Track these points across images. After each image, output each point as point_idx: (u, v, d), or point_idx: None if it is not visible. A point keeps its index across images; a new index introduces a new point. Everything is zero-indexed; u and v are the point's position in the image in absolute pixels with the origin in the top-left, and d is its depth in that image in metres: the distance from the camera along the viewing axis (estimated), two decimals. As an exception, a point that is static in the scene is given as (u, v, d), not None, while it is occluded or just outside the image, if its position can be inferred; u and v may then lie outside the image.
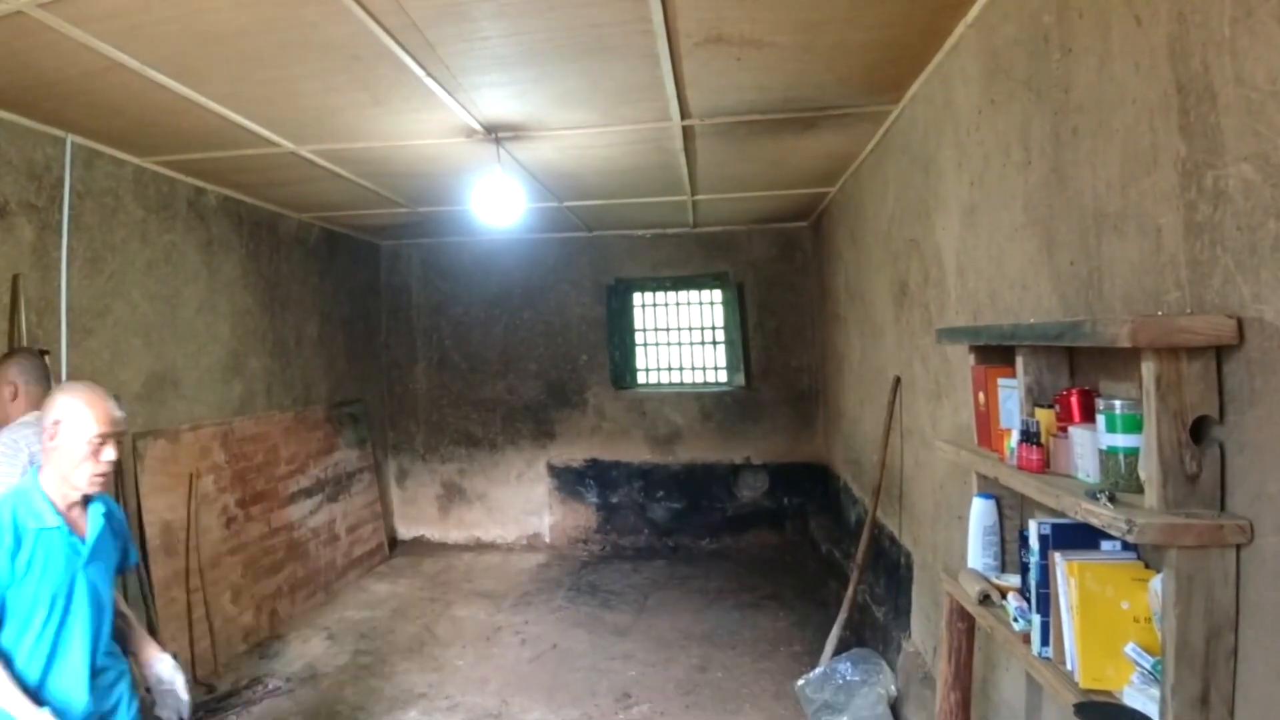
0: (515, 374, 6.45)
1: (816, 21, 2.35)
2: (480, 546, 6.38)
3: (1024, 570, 1.65)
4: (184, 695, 1.91)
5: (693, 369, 6.48)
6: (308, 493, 5.04)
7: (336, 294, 5.76)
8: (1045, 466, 1.59)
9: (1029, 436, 1.61)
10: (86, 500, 1.81)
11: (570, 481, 6.39)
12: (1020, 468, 1.63)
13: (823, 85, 2.92)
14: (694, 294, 6.44)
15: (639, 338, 6.51)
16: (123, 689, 1.88)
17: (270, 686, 3.65)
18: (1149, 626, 1.34)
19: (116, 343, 3.55)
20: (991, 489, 1.93)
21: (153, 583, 3.56)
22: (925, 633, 3.03)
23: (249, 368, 4.60)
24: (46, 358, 2.61)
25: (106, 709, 1.83)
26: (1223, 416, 1.22)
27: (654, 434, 6.31)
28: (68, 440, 1.71)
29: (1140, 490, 1.29)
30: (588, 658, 4.02)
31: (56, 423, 1.72)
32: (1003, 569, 1.90)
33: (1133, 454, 1.33)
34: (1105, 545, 1.47)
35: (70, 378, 3.24)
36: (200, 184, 4.16)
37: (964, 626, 2.05)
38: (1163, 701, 1.22)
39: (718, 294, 6.38)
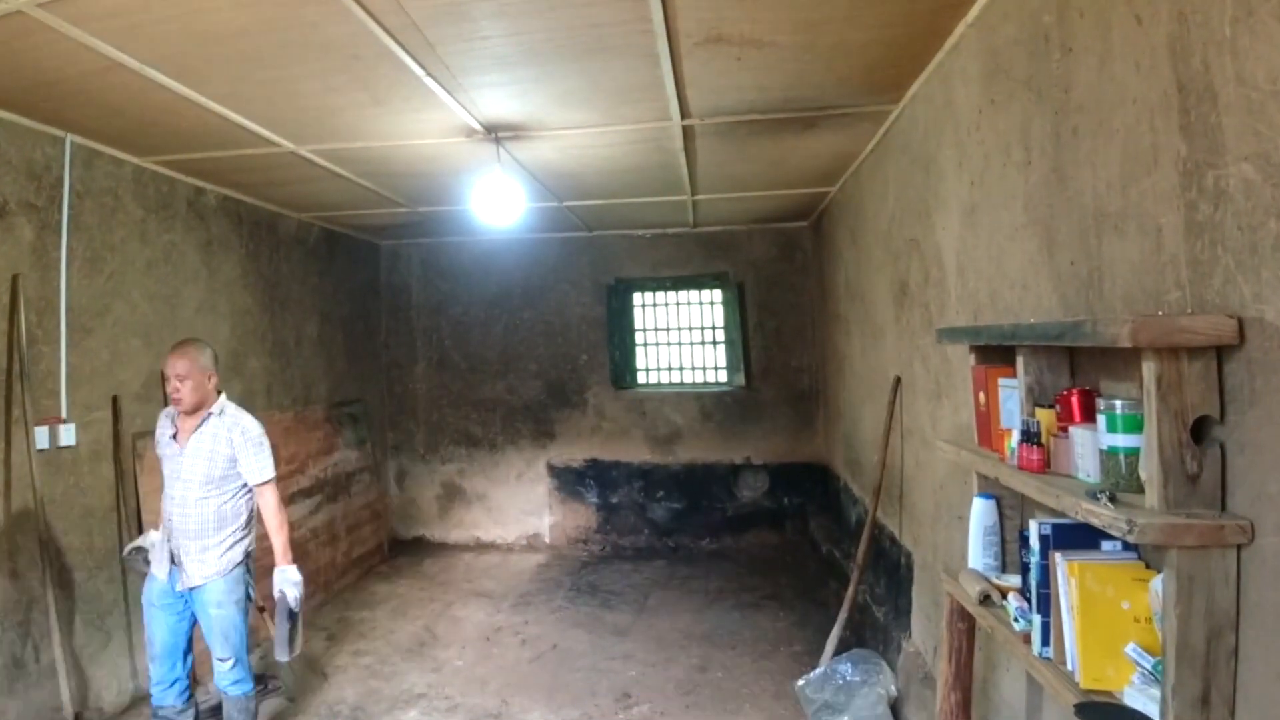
0: (515, 374, 6.45)
1: (817, 21, 2.35)
2: (480, 546, 6.38)
3: (1024, 570, 1.64)
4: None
5: (693, 369, 6.48)
6: (307, 493, 5.04)
7: (336, 294, 5.76)
8: (1046, 466, 1.58)
9: (1029, 436, 1.61)
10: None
11: (570, 481, 6.39)
12: (1021, 468, 1.63)
13: (823, 85, 2.92)
14: (694, 294, 6.44)
15: (639, 338, 6.51)
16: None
17: (270, 686, 3.65)
18: (1149, 627, 1.34)
19: (116, 342, 3.55)
20: (992, 489, 1.93)
21: (152, 583, 3.55)
22: (925, 633, 3.03)
23: (248, 368, 4.60)
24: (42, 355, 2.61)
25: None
26: (1223, 416, 1.22)
27: (654, 434, 6.31)
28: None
29: (1141, 490, 1.29)
30: (588, 658, 4.02)
31: None
32: (1003, 569, 1.90)
33: (1133, 454, 1.33)
34: (1106, 545, 1.47)
35: (69, 378, 3.24)
36: (200, 184, 4.16)
37: (964, 627, 2.05)
38: (1163, 702, 1.22)
39: (718, 294, 6.38)
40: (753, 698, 3.52)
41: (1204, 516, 1.19)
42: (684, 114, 3.21)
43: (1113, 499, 1.28)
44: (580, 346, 6.39)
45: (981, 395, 1.97)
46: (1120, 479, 1.35)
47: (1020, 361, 1.73)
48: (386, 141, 3.50)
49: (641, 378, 6.50)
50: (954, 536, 2.60)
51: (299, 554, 4.80)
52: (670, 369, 6.51)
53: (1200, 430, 1.23)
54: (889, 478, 3.65)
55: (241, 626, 2.84)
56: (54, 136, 3.20)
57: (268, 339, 4.82)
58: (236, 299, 4.51)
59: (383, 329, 6.58)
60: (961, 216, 2.50)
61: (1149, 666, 1.30)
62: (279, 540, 2.85)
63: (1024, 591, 1.66)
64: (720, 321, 6.40)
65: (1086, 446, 1.46)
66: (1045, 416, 1.62)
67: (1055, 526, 1.53)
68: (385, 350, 6.60)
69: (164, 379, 2.87)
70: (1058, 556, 1.47)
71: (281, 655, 2.83)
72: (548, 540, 6.39)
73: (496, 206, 3.66)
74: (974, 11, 2.26)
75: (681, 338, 6.50)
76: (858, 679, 3.21)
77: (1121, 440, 1.35)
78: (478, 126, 3.29)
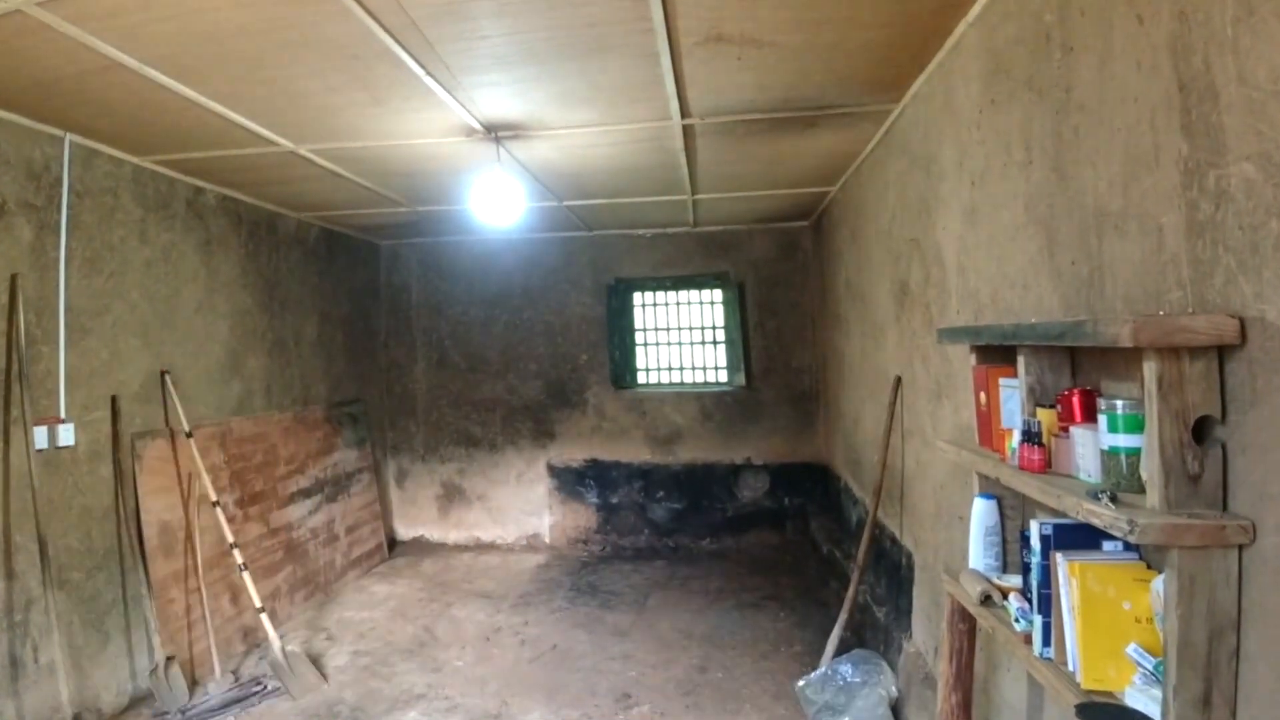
0: (515, 374, 6.45)
1: (817, 20, 2.35)
2: (480, 547, 6.37)
3: (1025, 571, 1.64)
4: None
5: (693, 369, 6.47)
6: (306, 493, 5.03)
7: (335, 293, 5.76)
8: (1047, 467, 1.58)
9: (1030, 436, 1.61)
10: None
11: (570, 482, 6.39)
12: (1021, 468, 1.62)
13: (823, 84, 2.91)
14: (694, 294, 6.44)
15: (639, 337, 6.51)
16: None
17: (269, 687, 3.65)
18: (1151, 627, 1.33)
19: (115, 342, 3.55)
20: (993, 489, 1.93)
21: (152, 583, 3.55)
22: (926, 633, 3.03)
23: (248, 367, 4.60)
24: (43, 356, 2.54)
25: None
26: (1225, 416, 1.21)
27: (654, 434, 6.31)
28: None
29: (1142, 490, 1.28)
30: (588, 658, 4.02)
31: None
32: (1004, 569, 1.89)
33: (1134, 454, 1.33)
34: (1107, 546, 1.46)
35: (68, 378, 3.24)
36: (199, 183, 4.15)
37: (965, 627, 2.04)
38: (1164, 702, 1.21)
39: (718, 294, 6.37)
40: (753, 698, 3.52)
41: (1205, 517, 1.19)
42: (684, 113, 3.20)
43: (1114, 499, 1.28)
44: (580, 346, 6.39)
45: (982, 395, 1.97)
46: (1121, 479, 1.35)
47: (1021, 361, 1.73)
48: (386, 141, 3.49)
49: (642, 378, 6.50)
50: (955, 537, 2.60)
51: (299, 554, 4.84)
52: (670, 369, 6.51)
53: (1201, 430, 1.22)
54: (890, 478, 3.65)
55: None
56: (53, 136, 3.20)
57: (267, 339, 4.81)
58: (235, 299, 4.50)
59: (382, 329, 6.58)
60: (962, 216, 2.50)
61: (1150, 667, 1.29)
62: None
63: (1025, 592, 1.66)
64: (720, 321, 6.40)
65: (1087, 447, 1.45)
66: (1046, 416, 1.62)
67: (1056, 527, 1.52)
68: (385, 350, 6.59)
69: None
70: (1059, 557, 1.47)
71: None
72: (547, 540, 6.39)
73: (496, 206, 3.66)
74: (975, 11, 2.26)
75: (682, 337, 6.49)
76: (858, 680, 3.21)
77: (1123, 440, 1.35)
78: (477, 126, 3.29)
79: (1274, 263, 1.10)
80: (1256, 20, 1.12)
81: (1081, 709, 1.33)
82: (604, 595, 5.04)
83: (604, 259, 6.34)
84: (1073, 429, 1.51)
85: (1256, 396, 1.15)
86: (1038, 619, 1.54)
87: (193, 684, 3.64)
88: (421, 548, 6.38)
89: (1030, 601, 1.58)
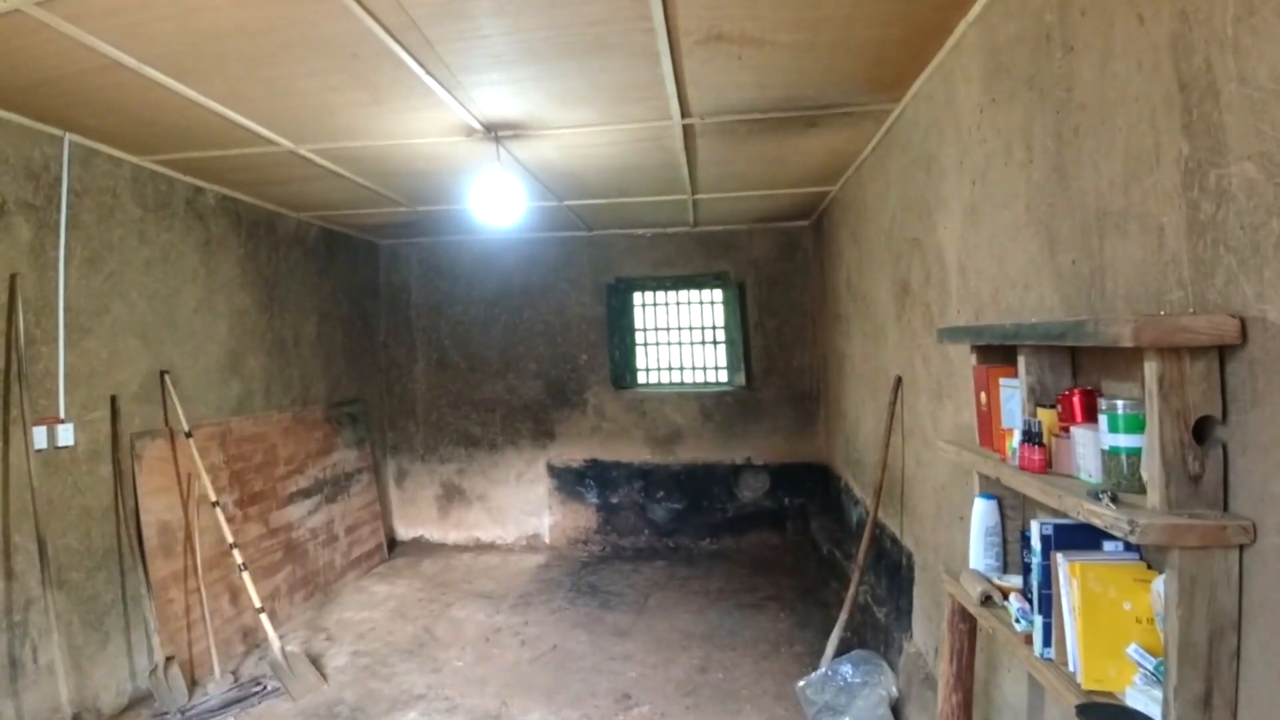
0: (515, 374, 6.45)
1: (817, 20, 2.34)
2: (480, 547, 6.37)
3: (1026, 571, 1.64)
4: None
5: (693, 369, 6.47)
6: (306, 493, 5.03)
7: (335, 293, 5.75)
8: (1047, 467, 1.58)
9: (1031, 437, 1.61)
10: None
11: (570, 482, 6.39)
12: (1022, 468, 1.62)
13: (824, 84, 2.91)
14: (694, 293, 6.43)
15: (639, 337, 6.50)
16: None
17: (269, 688, 3.65)
18: (1151, 627, 1.33)
19: (114, 342, 3.55)
20: (993, 489, 1.92)
21: (151, 583, 3.55)
22: (927, 634, 3.02)
23: (247, 367, 4.59)
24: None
25: None
26: (1225, 416, 1.21)
27: (654, 434, 6.30)
28: None
29: (1143, 491, 1.28)
30: (588, 659, 4.02)
31: None
32: (1004, 570, 1.89)
33: (1135, 454, 1.33)
34: (1107, 546, 1.46)
35: (67, 378, 3.24)
36: (198, 183, 4.15)
37: (966, 627, 2.04)
38: (1165, 703, 1.21)
39: (718, 293, 6.37)
40: (753, 699, 3.51)
41: (1206, 517, 1.18)
42: (684, 113, 3.20)
43: (1114, 499, 1.28)
44: (580, 346, 6.39)
45: (983, 395, 1.96)
46: (1122, 479, 1.35)
47: (1022, 361, 1.73)
48: (386, 140, 3.49)
49: (642, 377, 6.50)
50: (955, 537, 2.60)
51: (298, 554, 4.84)
52: (670, 369, 6.50)
53: (1202, 430, 1.22)
54: (890, 478, 3.65)
55: None
56: (52, 135, 3.19)
57: (266, 338, 4.81)
58: (235, 298, 4.50)
59: (382, 328, 6.58)
60: (963, 216, 2.49)
61: (1151, 667, 1.29)
62: None
63: (1025, 592, 1.66)
64: (721, 321, 6.39)
65: (1088, 447, 1.45)
66: (1047, 416, 1.62)
67: (1057, 527, 1.52)
68: (384, 350, 6.59)
69: None
70: (1059, 557, 1.47)
71: None
72: (547, 541, 6.38)
73: (496, 206, 3.65)
74: (975, 10, 2.26)
75: (682, 337, 6.49)
76: (859, 680, 3.21)
77: (1123, 440, 1.35)
78: (477, 125, 3.29)
79: (1275, 262, 1.10)
80: (1257, 20, 1.12)
81: (1082, 709, 1.33)
82: (604, 595, 5.04)
83: (604, 259, 6.34)
84: (1073, 429, 1.51)
85: (1257, 397, 1.15)
86: (1038, 619, 1.54)
87: (192, 684, 3.64)
88: (421, 548, 6.38)
89: (1031, 602, 1.58)
